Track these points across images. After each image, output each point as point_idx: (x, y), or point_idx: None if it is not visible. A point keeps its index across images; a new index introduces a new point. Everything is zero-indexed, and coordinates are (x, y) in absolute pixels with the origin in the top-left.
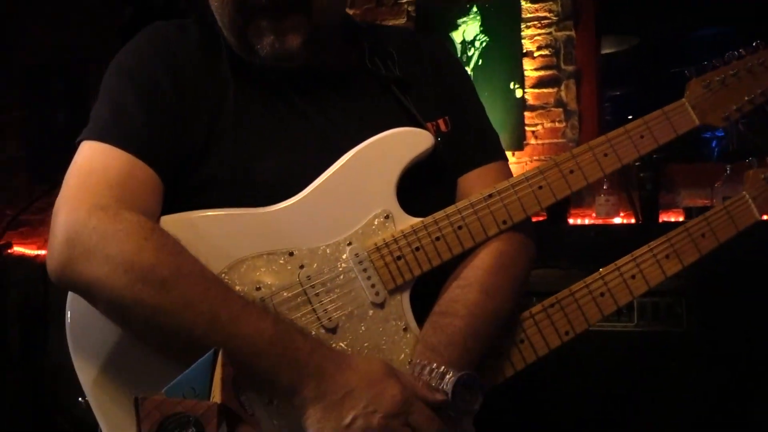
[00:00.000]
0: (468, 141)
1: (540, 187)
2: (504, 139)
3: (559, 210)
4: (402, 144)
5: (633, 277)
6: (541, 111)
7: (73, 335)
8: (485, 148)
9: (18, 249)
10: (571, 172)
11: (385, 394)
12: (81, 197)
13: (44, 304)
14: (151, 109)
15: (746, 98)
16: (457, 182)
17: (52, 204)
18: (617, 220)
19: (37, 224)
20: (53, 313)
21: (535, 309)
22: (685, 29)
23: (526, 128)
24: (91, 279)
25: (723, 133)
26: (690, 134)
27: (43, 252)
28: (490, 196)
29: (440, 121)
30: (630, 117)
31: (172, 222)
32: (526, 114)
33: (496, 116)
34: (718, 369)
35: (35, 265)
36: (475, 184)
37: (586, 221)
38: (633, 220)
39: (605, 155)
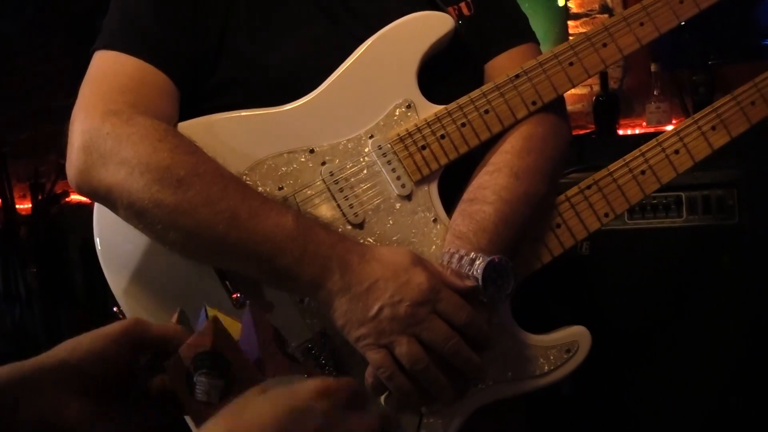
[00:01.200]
0: (494, 24)
1: (571, 64)
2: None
3: (607, 121)
4: (419, 29)
5: (676, 152)
6: (585, 19)
7: (104, 255)
8: (512, 30)
9: (74, 197)
10: (604, 45)
11: (411, 282)
12: (94, 104)
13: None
14: (161, 13)
15: None
16: (484, 69)
17: None
18: (670, 128)
19: None
20: None
21: (571, 192)
22: None
23: (570, 39)
24: (109, 184)
25: None
26: (751, 38)
27: None
28: (517, 76)
29: (462, 5)
30: (682, 23)
31: (190, 127)
32: (570, 23)
33: (537, 29)
34: None
35: (91, 210)
36: (504, 68)
37: (637, 131)
38: None
39: (641, 24)
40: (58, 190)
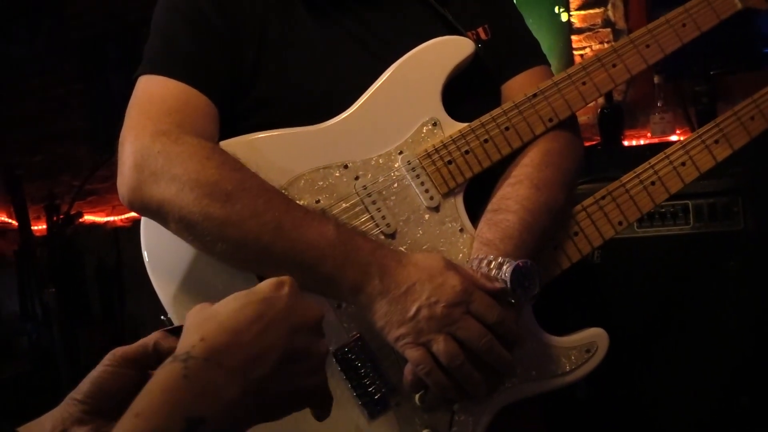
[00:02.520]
0: (509, 48)
1: (584, 83)
2: (552, 65)
3: (613, 132)
4: (443, 52)
5: (683, 164)
6: (588, 33)
7: (152, 266)
8: (527, 54)
9: (88, 217)
10: (614, 65)
11: (446, 285)
12: (143, 125)
13: (118, 266)
14: (200, 38)
15: None
16: (501, 89)
17: (115, 172)
18: (673, 138)
19: (104, 192)
20: (127, 275)
21: (587, 202)
22: None
23: (574, 52)
24: (160, 199)
25: None
26: (751, 48)
27: (112, 218)
28: (534, 95)
29: (480, 30)
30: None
31: (232, 145)
32: (573, 38)
33: (542, 43)
34: None
35: (106, 231)
36: (519, 89)
37: (642, 142)
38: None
39: (647, 46)
40: (72, 211)
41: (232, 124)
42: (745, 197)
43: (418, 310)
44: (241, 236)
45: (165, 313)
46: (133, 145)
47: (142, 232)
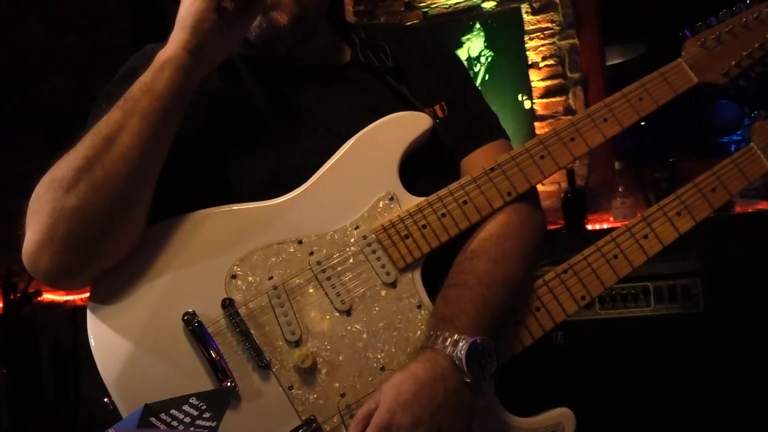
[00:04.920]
0: (466, 123)
1: (542, 157)
2: None
3: (576, 216)
4: (400, 127)
5: (645, 236)
6: (550, 120)
7: (97, 349)
8: (485, 129)
9: (47, 296)
10: (572, 139)
11: None
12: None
13: (74, 348)
14: None
15: (744, 53)
16: (461, 165)
17: None
18: None
19: None
20: (84, 356)
21: (549, 276)
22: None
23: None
24: (36, 223)
25: (741, 137)
26: (707, 138)
27: (71, 297)
28: (492, 169)
29: (437, 107)
30: (642, 123)
31: (185, 220)
32: (536, 124)
33: (506, 129)
34: (737, 348)
35: (64, 310)
36: (478, 163)
37: (605, 226)
38: None
39: (605, 120)
40: (31, 289)
41: (192, 201)
42: (704, 279)
43: None
44: (124, 146)
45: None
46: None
47: (89, 317)
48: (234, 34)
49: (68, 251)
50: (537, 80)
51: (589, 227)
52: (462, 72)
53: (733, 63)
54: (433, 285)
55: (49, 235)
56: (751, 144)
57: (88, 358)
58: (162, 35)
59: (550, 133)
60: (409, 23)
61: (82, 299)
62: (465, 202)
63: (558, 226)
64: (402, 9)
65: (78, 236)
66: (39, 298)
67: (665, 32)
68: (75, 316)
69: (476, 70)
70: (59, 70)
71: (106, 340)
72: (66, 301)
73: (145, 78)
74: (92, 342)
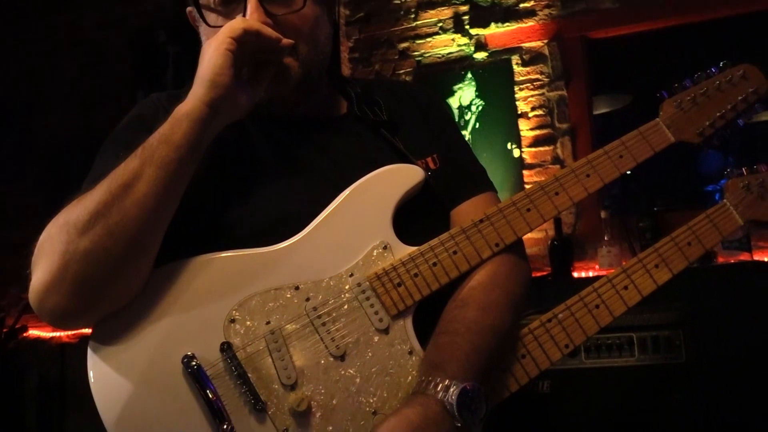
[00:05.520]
0: (456, 176)
1: (528, 210)
2: (504, 197)
3: (562, 264)
4: (395, 179)
5: (626, 287)
6: (539, 169)
7: (96, 386)
8: (474, 182)
9: (33, 332)
10: (557, 194)
11: None
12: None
13: (61, 384)
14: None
15: (718, 114)
16: (450, 215)
17: None
18: None
19: None
20: (69, 394)
21: (534, 324)
22: (677, 82)
23: (525, 186)
24: (62, 254)
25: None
26: (693, 186)
27: (57, 334)
28: (481, 221)
29: (429, 159)
30: (628, 172)
31: (185, 264)
32: (525, 172)
33: (495, 176)
34: (718, 398)
35: (50, 346)
36: (467, 215)
37: (591, 273)
38: None
39: (587, 176)
40: (18, 324)
41: (195, 244)
42: (686, 331)
43: None
44: (141, 194)
45: None
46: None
47: (90, 355)
48: (249, 93)
49: (77, 294)
50: (526, 129)
51: (576, 275)
52: (452, 126)
53: (707, 123)
54: (423, 330)
55: (60, 276)
56: (724, 200)
57: (74, 397)
58: (160, 74)
59: (536, 188)
60: (402, 71)
61: (68, 336)
62: (455, 252)
63: (545, 273)
64: (396, 57)
65: (89, 279)
66: (25, 334)
67: (650, 83)
68: (62, 353)
69: (467, 118)
70: (59, 106)
71: (106, 379)
72: (52, 338)
73: (163, 129)
74: (91, 380)
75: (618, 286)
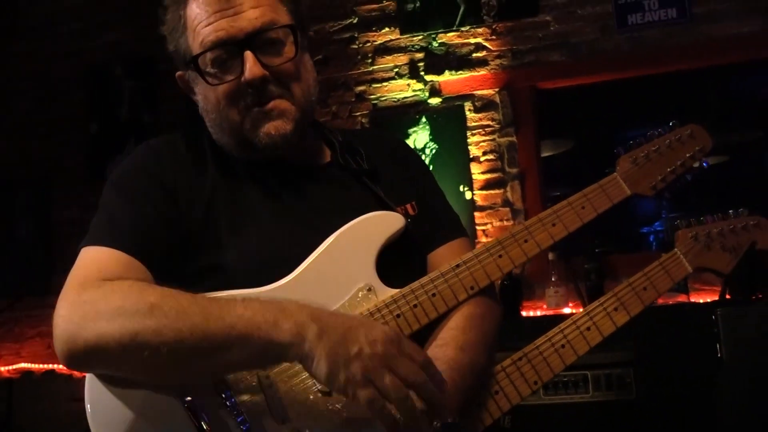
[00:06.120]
0: (433, 222)
1: (500, 256)
2: None
3: (512, 303)
4: (378, 225)
5: (588, 329)
6: (489, 211)
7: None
8: (449, 228)
9: None
10: (525, 241)
11: (378, 328)
12: (73, 287)
13: (9, 420)
14: (141, 214)
15: (668, 170)
16: (428, 258)
17: (14, 318)
18: (567, 310)
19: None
20: (16, 429)
21: (506, 363)
22: (616, 130)
23: (477, 227)
24: (95, 337)
25: (661, 227)
26: (631, 229)
27: (5, 368)
28: (458, 266)
29: (408, 206)
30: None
31: None
32: (476, 214)
33: None
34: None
35: None
36: (443, 258)
37: (539, 312)
38: (581, 309)
39: (553, 225)
40: None
41: (184, 285)
42: (637, 369)
43: (360, 350)
44: (177, 333)
45: None
46: (63, 304)
47: (87, 385)
48: None
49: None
50: (478, 173)
51: (524, 313)
52: (428, 175)
53: (660, 178)
54: None
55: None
56: (675, 249)
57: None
58: (115, 107)
59: (508, 236)
60: (359, 113)
61: (9, 371)
62: (434, 295)
63: None
64: (353, 99)
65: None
66: None
67: (591, 130)
68: (10, 388)
69: None
70: (10, 136)
71: (103, 411)
72: None
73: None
74: (89, 410)
75: (581, 327)
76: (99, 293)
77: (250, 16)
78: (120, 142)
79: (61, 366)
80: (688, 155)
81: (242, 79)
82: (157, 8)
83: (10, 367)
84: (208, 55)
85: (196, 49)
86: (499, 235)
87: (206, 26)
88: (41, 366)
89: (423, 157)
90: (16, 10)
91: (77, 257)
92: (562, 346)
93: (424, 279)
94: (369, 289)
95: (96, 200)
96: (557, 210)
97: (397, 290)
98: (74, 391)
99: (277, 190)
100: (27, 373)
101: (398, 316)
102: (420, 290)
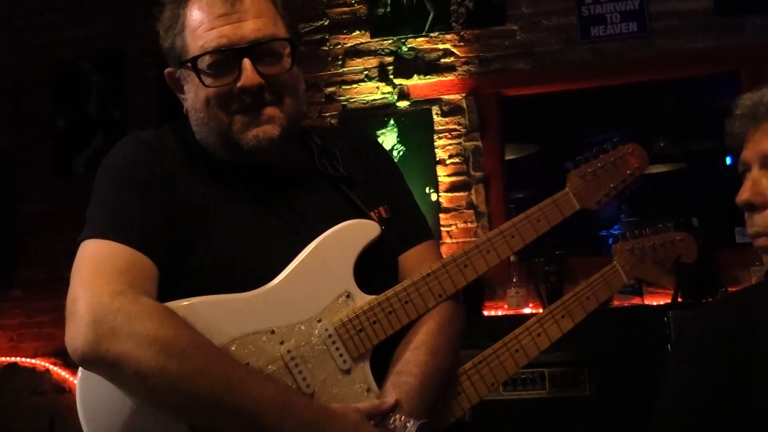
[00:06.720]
0: (404, 225)
1: (465, 266)
2: None
3: (474, 303)
4: (355, 234)
5: (539, 335)
6: (454, 213)
7: (87, 421)
8: (418, 230)
9: None
10: (488, 252)
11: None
12: (98, 284)
13: None
14: (146, 206)
15: (611, 185)
16: (398, 260)
17: None
18: (527, 311)
19: None
20: None
21: (467, 366)
22: (578, 137)
23: (442, 228)
24: (118, 353)
25: (619, 230)
26: (591, 232)
27: None
28: (428, 275)
29: (381, 209)
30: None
31: (176, 307)
32: (441, 215)
33: None
34: (618, 427)
35: None
36: (413, 260)
37: (499, 312)
38: (541, 310)
39: (512, 237)
40: None
41: (170, 284)
42: (591, 367)
43: None
44: (194, 390)
45: None
46: (90, 302)
47: (78, 388)
48: None
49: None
50: (443, 176)
51: (486, 313)
52: (399, 176)
53: (603, 193)
54: (376, 366)
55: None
56: (614, 262)
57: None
58: (83, 102)
59: (472, 247)
60: (328, 114)
61: None
62: (406, 302)
63: None
64: (323, 100)
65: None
66: None
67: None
68: None
69: None
70: None
71: (96, 411)
72: None
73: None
74: (81, 413)
75: (533, 333)
76: (134, 309)
77: (253, 27)
78: (87, 137)
79: (23, 359)
80: (628, 172)
81: (238, 84)
82: (126, 4)
83: None
84: (207, 58)
85: (195, 50)
86: (465, 243)
87: (209, 30)
88: (3, 359)
89: None
90: None
91: (81, 249)
92: (516, 350)
93: (398, 287)
94: (348, 296)
95: (61, 194)
96: (516, 223)
97: (374, 297)
98: (36, 384)
99: (259, 193)
100: (8, 365)
101: (375, 322)
102: (394, 298)
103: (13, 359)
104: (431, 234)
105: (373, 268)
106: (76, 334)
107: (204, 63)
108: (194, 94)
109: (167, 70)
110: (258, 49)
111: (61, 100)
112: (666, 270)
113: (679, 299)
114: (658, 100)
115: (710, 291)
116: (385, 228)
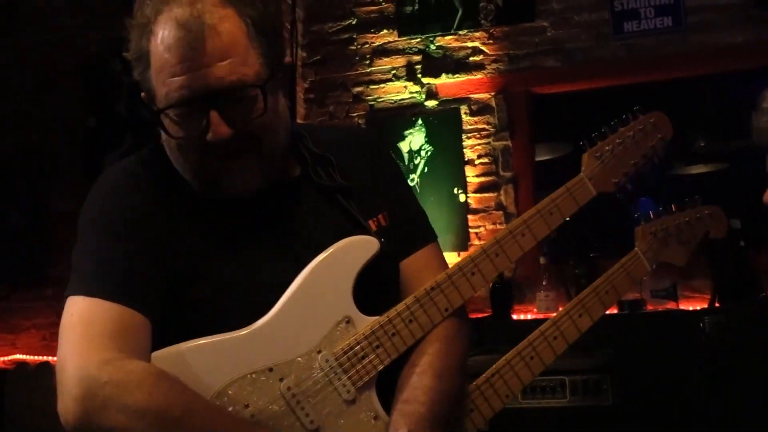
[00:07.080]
0: (405, 230)
1: (472, 274)
2: (449, 240)
3: (503, 306)
4: (352, 253)
5: (555, 338)
6: (483, 214)
7: None
8: (420, 234)
9: None
10: (497, 255)
11: None
12: (86, 352)
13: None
14: (132, 252)
15: (632, 162)
16: (400, 266)
17: (9, 309)
18: None
19: None
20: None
21: (480, 380)
22: None
23: (470, 230)
24: (110, 428)
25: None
26: (624, 232)
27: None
28: (432, 288)
29: (380, 217)
30: (567, 219)
31: (162, 357)
32: (470, 217)
33: (441, 219)
34: None
35: None
36: (415, 266)
37: (529, 316)
38: None
39: (523, 236)
40: None
41: (162, 326)
42: (614, 375)
43: None
44: None
45: None
46: (79, 374)
47: None
48: None
49: None
50: (472, 176)
51: (515, 317)
52: (400, 178)
53: (623, 172)
54: (381, 390)
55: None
56: (635, 249)
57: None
58: (113, 102)
59: (479, 252)
60: (356, 114)
61: (3, 362)
62: (411, 321)
63: (486, 315)
64: (350, 100)
65: None
66: None
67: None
68: (3, 379)
69: (416, 162)
70: (8, 126)
71: None
72: None
73: None
74: None
75: (549, 337)
76: (123, 380)
77: (218, 74)
78: (118, 137)
79: (55, 359)
80: (650, 145)
81: (207, 137)
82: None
83: (5, 358)
84: (173, 110)
85: (161, 97)
86: (472, 250)
87: (170, 77)
88: (36, 358)
89: (418, 159)
90: (16, 3)
91: (69, 305)
92: (531, 358)
93: (400, 306)
94: (347, 322)
95: None
96: (527, 219)
97: (375, 319)
98: None
99: (251, 214)
100: (21, 365)
101: (377, 347)
102: (397, 318)
103: (45, 358)
104: (433, 236)
105: (374, 283)
106: (66, 410)
107: (171, 112)
108: (165, 137)
109: (142, 94)
110: (226, 98)
111: (91, 101)
112: (692, 250)
113: (717, 304)
114: (695, 97)
115: (749, 295)
116: (384, 239)
